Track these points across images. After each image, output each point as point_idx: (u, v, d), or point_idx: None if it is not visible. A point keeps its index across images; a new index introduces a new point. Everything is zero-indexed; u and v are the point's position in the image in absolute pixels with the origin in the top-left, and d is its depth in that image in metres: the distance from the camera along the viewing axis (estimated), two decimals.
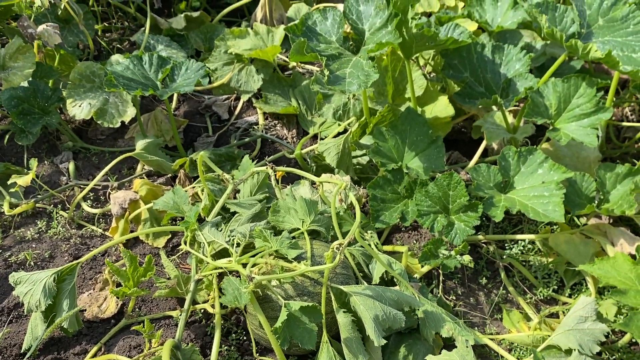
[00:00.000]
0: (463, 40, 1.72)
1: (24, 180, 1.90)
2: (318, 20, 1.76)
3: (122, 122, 2.05)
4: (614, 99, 1.94)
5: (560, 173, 1.55)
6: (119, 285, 1.46)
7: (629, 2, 1.70)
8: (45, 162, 2.10)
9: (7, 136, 2.17)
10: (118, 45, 2.70)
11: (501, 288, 1.66)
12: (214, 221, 1.55)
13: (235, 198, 1.72)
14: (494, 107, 1.81)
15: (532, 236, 1.71)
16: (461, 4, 2.28)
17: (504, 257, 1.72)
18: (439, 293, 1.60)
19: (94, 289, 1.61)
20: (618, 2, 1.70)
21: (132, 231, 1.76)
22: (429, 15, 2.44)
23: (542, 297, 1.64)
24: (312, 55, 1.66)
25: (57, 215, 1.90)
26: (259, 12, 2.59)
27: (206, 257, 1.42)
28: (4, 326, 1.56)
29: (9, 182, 1.95)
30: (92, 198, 1.97)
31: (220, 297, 1.38)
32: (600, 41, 1.68)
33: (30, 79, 2.08)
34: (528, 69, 1.78)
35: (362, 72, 1.58)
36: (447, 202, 1.59)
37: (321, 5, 2.47)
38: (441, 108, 1.95)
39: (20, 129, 2.05)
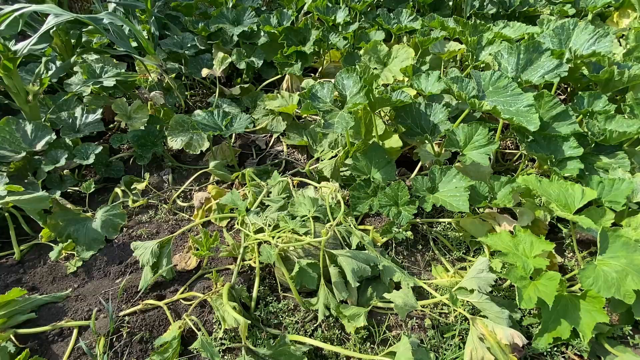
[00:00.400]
0: (406, 101, 1.70)
1: (141, 186, 1.91)
2: (319, 89, 1.77)
3: (201, 151, 2.05)
4: (500, 135, 1.94)
5: (466, 182, 1.54)
6: (197, 250, 1.47)
7: (508, 77, 1.69)
8: (154, 175, 2.10)
9: (131, 159, 2.19)
10: (199, 104, 2.69)
11: (430, 252, 1.64)
12: (255, 210, 1.55)
13: (268, 197, 1.72)
14: (426, 141, 1.82)
15: (449, 220, 1.70)
16: (406, 78, 2.27)
17: (432, 232, 1.70)
18: (392, 254, 1.60)
19: (182, 252, 1.61)
20: (500, 77, 1.69)
21: (206, 217, 1.77)
22: (387, 85, 2.43)
23: (456, 257, 1.62)
24: (315, 111, 1.67)
25: (161, 207, 1.89)
26: (284, 84, 2.58)
27: (250, 233, 1.43)
28: (127, 274, 1.57)
29: (131, 187, 1.96)
30: (182, 197, 1.97)
31: (259, 256, 1.39)
32: (490, 100, 1.65)
33: (146, 125, 2.08)
34: (446, 117, 1.76)
35: (345, 120, 1.58)
36: (397, 199, 1.57)
37: (322, 80, 2.47)
38: (394, 142, 1.93)
39: (139, 155, 2.05)
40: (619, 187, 1.47)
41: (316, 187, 1.72)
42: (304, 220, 1.45)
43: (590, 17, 3.09)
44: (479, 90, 1.68)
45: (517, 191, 1.55)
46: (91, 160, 1.89)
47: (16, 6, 1.72)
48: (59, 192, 1.85)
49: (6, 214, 1.70)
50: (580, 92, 1.80)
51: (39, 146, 1.91)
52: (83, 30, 2.30)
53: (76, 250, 1.63)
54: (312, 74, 2.92)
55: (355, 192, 1.64)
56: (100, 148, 1.93)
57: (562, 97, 2.74)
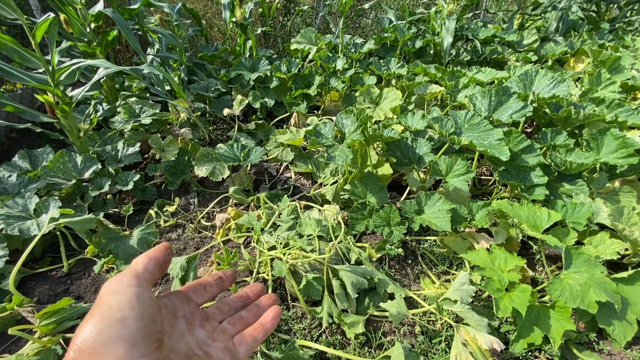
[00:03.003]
0: (395, 137, 1.74)
1: (171, 208, 1.94)
2: (322, 127, 1.81)
3: (222, 178, 2.07)
4: (477, 163, 1.96)
5: (448, 205, 1.56)
6: (219, 265, 1.48)
7: (480, 115, 1.73)
8: (182, 198, 2.13)
9: (163, 185, 2.22)
10: (220, 138, 2.74)
11: (419, 266, 1.64)
12: (268, 230, 1.56)
13: (279, 217, 1.74)
14: (414, 170, 1.84)
15: (435, 237, 1.71)
16: (395, 116, 2.31)
17: (420, 249, 1.71)
18: (386, 268, 1.60)
19: (206, 266, 1.62)
20: (474, 116, 1.73)
21: (226, 235, 1.79)
22: (379, 122, 2.48)
23: (441, 271, 1.62)
24: (318, 145, 1.71)
25: (188, 226, 1.91)
26: (292, 121, 2.65)
27: (264, 250, 1.44)
28: (159, 285, 1.58)
29: (163, 209, 1.99)
30: (205, 217, 1.99)
31: (271, 270, 1.40)
32: (466, 135, 1.69)
33: (176, 156, 2.13)
34: (430, 150, 1.78)
35: (344, 154, 1.62)
36: (389, 220, 1.59)
37: (324, 118, 2.53)
38: (386, 169, 1.96)
39: (170, 181, 2.09)
40: (580, 210, 1.48)
41: (320, 210, 1.74)
42: (310, 239, 1.46)
43: (550, 63, 3.17)
44: (456, 127, 1.71)
45: (492, 213, 1.56)
46: (130, 186, 1.93)
47: (74, 61, 1.80)
48: (102, 214, 1.88)
49: (57, 233, 1.73)
50: (544, 128, 1.83)
51: (87, 174, 1.96)
52: (125, 76, 2.39)
53: (116, 264, 1.65)
54: (315, 111, 2.99)
55: (353, 214, 1.65)
56: (137, 176, 1.97)
57: (529, 130, 2.78)
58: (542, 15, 3.97)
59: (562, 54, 3.19)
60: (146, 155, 2.45)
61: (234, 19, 2.97)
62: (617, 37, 3.77)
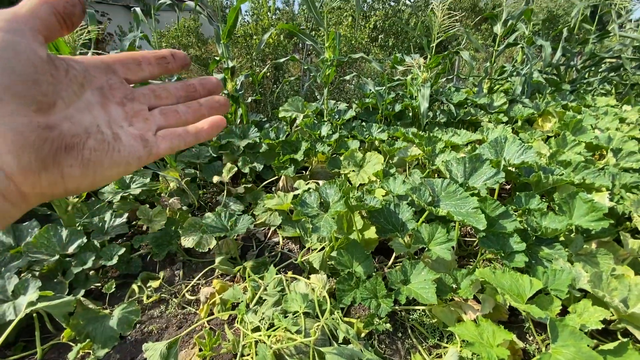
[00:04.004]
0: (377, 206, 1.78)
1: (155, 284, 1.89)
2: (307, 197, 1.86)
3: (209, 248, 2.06)
4: (460, 225, 2.00)
5: (433, 274, 1.56)
6: (201, 350, 1.41)
7: (456, 183, 1.82)
8: (167, 268, 2.09)
9: (149, 255, 2.19)
10: (210, 203, 2.77)
11: (409, 339, 1.59)
12: (253, 309, 1.53)
13: (265, 291, 1.71)
14: (398, 236, 1.86)
15: (423, 307, 1.68)
16: (378, 180, 2.40)
17: (410, 320, 1.67)
18: (375, 344, 1.55)
19: (188, 348, 1.54)
20: (450, 184, 1.81)
21: (211, 310, 1.73)
22: (363, 184, 2.56)
23: (432, 344, 1.56)
24: (304, 216, 1.75)
25: (171, 301, 1.85)
26: (280, 184, 2.72)
27: (248, 332, 1.39)
28: None
29: (147, 284, 1.94)
30: (190, 290, 1.94)
31: (255, 355, 1.34)
32: (444, 204, 1.74)
33: (163, 227, 2.14)
34: (412, 216, 1.82)
35: (328, 224, 1.65)
36: (376, 292, 1.57)
37: (311, 182, 2.60)
38: (372, 233, 1.97)
39: (155, 253, 2.07)
40: (560, 277, 1.51)
41: (306, 283, 1.72)
42: (295, 317, 1.43)
43: (520, 123, 3.41)
44: (434, 195, 1.78)
45: (475, 283, 1.57)
46: (114, 261, 1.90)
47: None
48: (83, 291, 1.82)
49: (34, 314, 1.65)
50: (517, 192, 1.92)
51: (71, 249, 1.93)
52: None
53: (92, 348, 1.56)
54: (304, 171, 3.08)
55: (340, 285, 1.64)
56: (123, 249, 1.95)
57: (508, 186, 2.90)
58: (509, 79, 4.36)
59: (530, 115, 3.45)
60: (134, 223, 2.44)
61: (225, 92, 3.18)
62: (579, 97, 4.12)
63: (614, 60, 4.63)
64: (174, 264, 2.14)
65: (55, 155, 0.28)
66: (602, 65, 4.79)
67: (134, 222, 2.44)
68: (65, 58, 0.31)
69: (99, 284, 1.96)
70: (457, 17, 3.36)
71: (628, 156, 2.44)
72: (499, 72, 4.39)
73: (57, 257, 1.87)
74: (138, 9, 2.95)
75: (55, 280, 1.87)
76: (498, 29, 4.01)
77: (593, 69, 4.90)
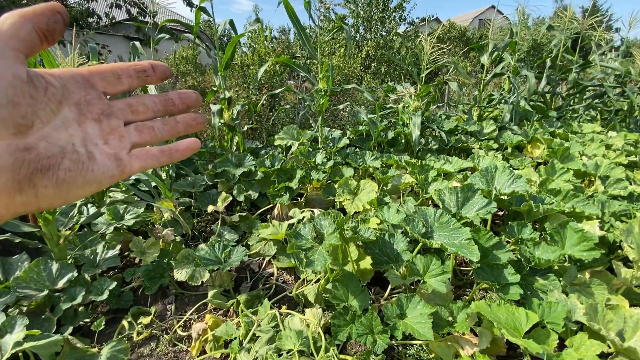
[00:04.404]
0: (372, 238, 1.78)
1: (146, 320, 1.85)
2: (302, 228, 1.87)
3: (202, 281, 2.02)
4: (454, 255, 2.00)
5: (429, 308, 1.54)
6: None
7: (448, 213, 1.83)
8: (159, 302, 2.04)
9: (140, 289, 2.14)
10: (204, 233, 2.74)
11: None
12: (246, 347, 1.50)
13: (259, 327, 1.67)
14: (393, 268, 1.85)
15: (420, 341, 1.65)
16: (373, 209, 2.41)
17: (407, 355, 1.64)
18: None
19: None
20: (442, 214, 1.83)
21: (203, 348, 1.68)
22: (357, 212, 2.56)
23: None
24: (298, 249, 1.74)
25: (162, 338, 1.80)
26: (275, 212, 2.71)
27: None
28: None
29: (138, 320, 1.89)
30: (182, 326, 1.89)
31: None
32: (437, 235, 1.75)
33: (156, 259, 2.11)
34: (406, 247, 1.81)
35: (323, 257, 1.65)
36: (372, 327, 1.54)
37: (306, 210, 2.61)
38: (367, 263, 1.95)
39: (147, 286, 2.03)
40: (555, 309, 1.50)
41: (301, 318, 1.69)
42: (290, 355, 1.40)
43: (510, 150, 3.49)
44: (427, 226, 1.80)
45: (472, 317, 1.55)
46: (105, 296, 1.85)
47: None
48: (71, 328, 1.77)
49: (20, 353, 1.59)
50: (510, 222, 1.95)
51: (61, 284, 1.89)
52: None
53: None
54: (299, 198, 3.09)
55: (336, 320, 1.61)
56: (114, 284, 1.92)
57: (501, 213, 2.92)
58: (497, 106, 4.50)
59: (519, 141, 3.54)
60: (126, 253, 2.40)
61: (222, 121, 3.24)
62: (566, 124, 4.25)
63: (597, 88, 4.82)
64: (166, 297, 2.09)
65: (31, 177, 0.28)
66: (587, 92, 4.99)
67: (127, 253, 2.41)
68: (45, 76, 0.30)
69: (88, 320, 1.90)
70: (445, 49, 3.51)
71: (616, 183, 2.50)
72: (488, 100, 4.54)
73: (46, 292, 1.82)
74: (137, 43, 3.05)
75: (43, 316, 1.82)
76: (485, 59, 4.19)
77: (578, 96, 5.08)
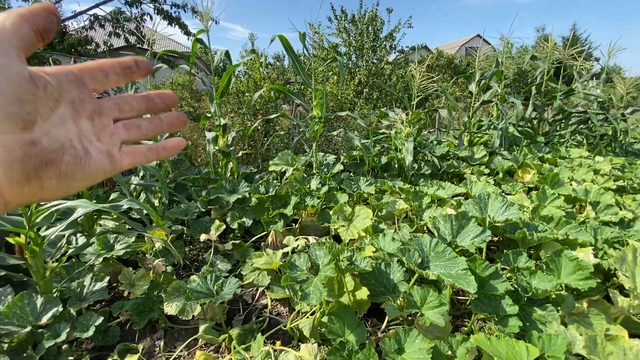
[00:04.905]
0: (368, 269, 1.76)
1: (133, 358, 1.76)
2: (296, 259, 1.84)
3: (193, 315, 1.95)
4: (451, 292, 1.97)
5: (427, 342, 1.50)
6: None
7: (444, 242, 1.83)
8: (148, 337, 1.96)
9: (128, 323, 2.06)
10: (196, 262, 2.69)
11: None
12: None
13: None
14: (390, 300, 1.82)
15: None
16: (368, 236, 2.40)
17: None
18: None
19: None
20: (438, 244, 1.82)
21: None
22: (353, 240, 2.54)
23: None
24: (292, 282, 1.70)
25: None
26: (269, 240, 2.68)
27: None
28: None
29: (124, 358, 1.80)
30: None
31: None
32: (434, 265, 1.74)
33: (146, 292, 2.04)
34: (403, 277, 1.79)
35: (319, 290, 1.61)
36: None
37: (301, 237, 2.58)
38: (364, 293, 1.90)
39: (136, 321, 1.95)
40: (555, 342, 1.47)
41: (296, 356, 1.63)
42: None
43: (501, 175, 3.55)
44: (423, 255, 1.78)
45: (472, 351, 1.51)
46: (91, 332, 1.77)
47: (53, 202, 1.85)
48: None
49: None
50: (505, 250, 1.94)
51: (45, 319, 1.80)
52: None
53: None
54: (293, 224, 3.06)
55: (332, 357, 1.54)
56: (100, 319, 1.84)
57: (495, 238, 2.92)
58: (487, 132, 4.62)
59: (510, 166, 3.61)
60: (114, 285, 2.32)
61: (216, 148, 3.26)
62: (553, 149, 4.36)
63: (581, 114, 4.99)
64: (155, 332, 2.00)
65: (38, 169, 0.30)
66: (572, 118, 5.16)
67: (115, 285, 2.33)
68: (43, 75, 0.31)
69: (72, 358, 1.80)
70: (434, 78, 3.64)
71: (606, 209, 2.54)
72: (477, 126, 4.66)
73: (29, 328, 1.74)
74: None
75: (25, 354, 1.72)
76: (473, 87, 4.34)
77: (564, 122, 5.25)
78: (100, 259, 2.21)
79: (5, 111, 0.27)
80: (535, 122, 5.07)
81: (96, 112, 0.37)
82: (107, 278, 2.07)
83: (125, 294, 2.18)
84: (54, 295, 1.90)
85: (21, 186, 0.30)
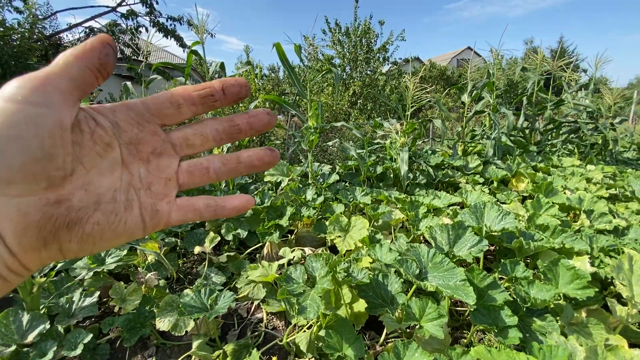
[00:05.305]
0: (365, 281, 1.73)
1: None
2: (292, 271, 1.81)
3: (186, 331, 1.90)
4: (449, 304, 1.95)
5: (427, 356, 1.46)
6: None
7: (442, 253, 1.81)
8: (139, 355, 1.89)
9: (119, 340, 1.99)
10: (189, 275, 2.63)
11: None
12: None
13: None
14: (388, 312, 1.79)
15: None
16: (365, 247, 2.37)
17: None
18: None
19: None
20: (435, 254, 1.80)
21: None
22: (350, 250, 2.51)
23: None
24: (289, 295, 1.67)
25: None
26: (265, 251, 2.64)
27: None
28: None
29: None
30: None
31: None
32: (432, 276, 1.72)
33: (137, 307, 1.98)
34: (401, 289, 1.77)
35: (316, 304, 1.58)
36: None
37: (297, 248, 2.55)
38: (362, 305, 1.87)
39: (126, 337, 1.88)
40: (556, 353, 1.45)
41: None
42: None
43: (495, 184, 3.57)
44: (421, 266, 1.76)
45: None
46: (79, 350, 1.70)
47: None
48: None
49: None
50: (502, 259, 1.93)
51: (31, 337, 1.73)
52: None
53: None
54: (289, 235, 3.02)
55: None
56: (90, 336, 1.77)
57: (492, 247, 2.92)
58: (480, 141, 4.67)
59: (504, 175, 3.63)
60: (105, 300, 2.25)
61: None
62: (546, 158, 4.41)
63: (571, 124, 5.08)
64: (146, 349, 1.94)
65: (57, 232, 0.27)
66: (563, 127, 5.25)
67: (105, 300, 2.26)
68: (96, 116, 0.28)
69: None
70: (427, 89, 3.68)
71: (600, 217, 2.55)
72: (470, 135, 4.71)
73: (14, 347, 1.67)
74: (129, 83, 3.09)
75: None
76: (465, 98, 4.40)
77: (555, 131, 5.34)
78: (91, 274, 2.15)
79: (26, 171, 0.24)
80: (527, 131, 5.14)
81: (155, 153, 0.31)
82: (97, 293, 2.01)
83: (116, 309, 2.11)
84: (41, 311, 1.84)
85: (37, 252, 0.27)
